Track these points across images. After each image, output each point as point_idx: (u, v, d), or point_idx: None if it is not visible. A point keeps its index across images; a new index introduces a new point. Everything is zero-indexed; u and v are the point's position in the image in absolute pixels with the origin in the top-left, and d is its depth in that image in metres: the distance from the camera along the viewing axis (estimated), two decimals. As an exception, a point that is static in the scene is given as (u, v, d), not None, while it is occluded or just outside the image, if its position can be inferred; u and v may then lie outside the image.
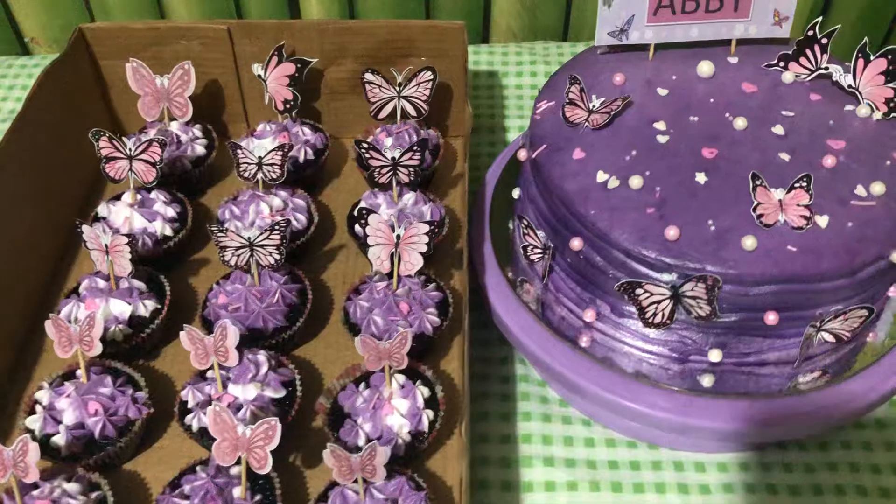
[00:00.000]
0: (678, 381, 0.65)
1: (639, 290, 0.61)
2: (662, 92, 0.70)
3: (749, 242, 0.59)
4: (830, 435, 0.72)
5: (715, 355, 0.64)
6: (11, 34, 1.14)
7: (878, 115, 0.68)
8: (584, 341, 0.68)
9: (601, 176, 0.64)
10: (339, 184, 0.94)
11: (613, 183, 0.63)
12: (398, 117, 0.89)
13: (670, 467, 0.70)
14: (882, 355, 0.66)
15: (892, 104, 0.67)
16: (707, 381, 0.65)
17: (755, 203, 0.60)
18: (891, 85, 0.67)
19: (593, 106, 0.68)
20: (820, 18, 0.70)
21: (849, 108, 0.69)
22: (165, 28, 0.89)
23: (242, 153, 0.82)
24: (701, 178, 0.63)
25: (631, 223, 0.62)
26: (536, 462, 0.70)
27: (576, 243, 0.64)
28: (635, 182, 0.63)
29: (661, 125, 0.67)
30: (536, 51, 1.10)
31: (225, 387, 0.69)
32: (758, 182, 0.61)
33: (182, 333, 0.67)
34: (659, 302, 0.61)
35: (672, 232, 0.60)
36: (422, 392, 0.68)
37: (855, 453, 0.71)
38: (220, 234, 0.73)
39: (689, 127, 0.67)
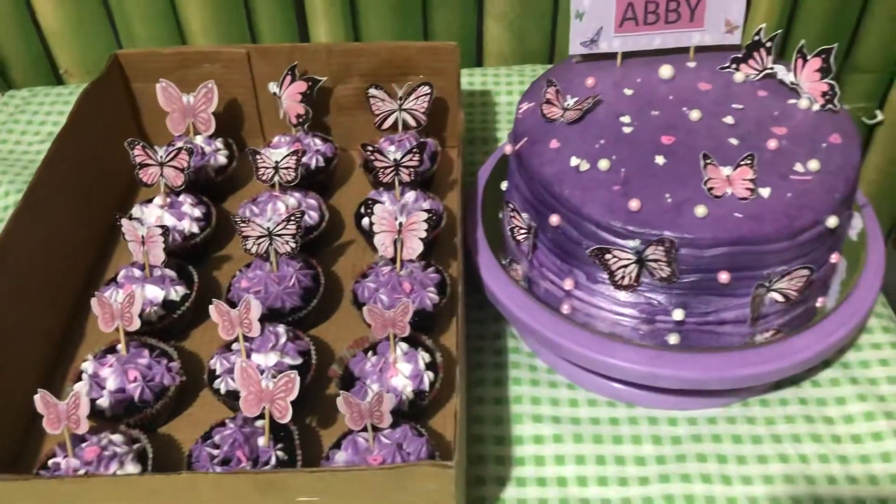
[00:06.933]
0: (648, 340, 0.74)
1: (608, 256, 0.70)
2: (628, 92, 0.80)
3: (701, 210, 0.68)
4: (789, 393, 0.80)
5: (678, 314, 0.73)
6: (47, 66, 1.26)
7: (816, 107, 0.78)
8: (565, 309, 0.77)
9: (574, 161, 0.74)
10: (348, 188, 1.04)
11: (584, 166, 0.73)
12: (399, 128, 1.00)
13: (645, 422, 0.79)
14: (825, 316, 0.76)
15: (827, 97, 0.77)
16: (673, 339, 0.74)
17: (706, 178, 0.70)
18: (825, 80, 0.77)
19: (567, 104, 0.78)
20: (779, 32, 0.80)
21: (791, 101, 0.79)
22: (191, 53, 1.00)
23: (261, 157, 0.92)
24: (660, 160, 0.73)
25: (599, 199, 0.71)
26: (526, 419, 0.79)
27: (554, 220, 0.74)
28: (603, 164, 0.73)
29: (626, 119, 0.77)
30: (525, 73, 1.21)
31: (248, 356, 0.78)
32: (708, 161, 0.70)
33: (211, 307, 0.77)
34: (626, 266, 0.71)
35: (634, 204, 0.69)
36: (423, 357, 0.77)
37: (810, 408, 0.79)
38: (242, 225, 0.83)
39: (651, 119, 0.77)
